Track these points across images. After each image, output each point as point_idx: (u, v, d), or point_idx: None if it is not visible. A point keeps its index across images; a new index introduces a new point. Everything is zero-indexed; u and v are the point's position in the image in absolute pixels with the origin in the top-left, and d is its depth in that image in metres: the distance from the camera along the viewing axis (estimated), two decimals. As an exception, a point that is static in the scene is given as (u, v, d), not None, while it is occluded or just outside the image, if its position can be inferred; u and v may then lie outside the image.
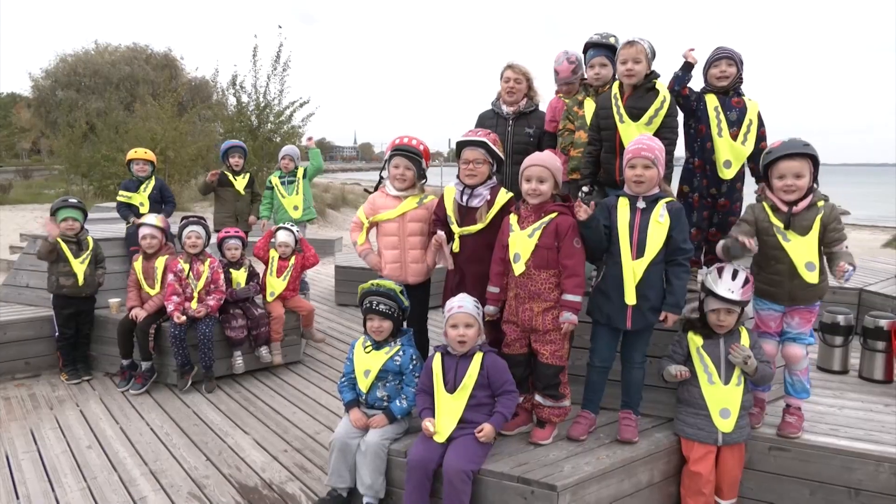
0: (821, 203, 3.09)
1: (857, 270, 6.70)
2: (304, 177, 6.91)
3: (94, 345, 5.35)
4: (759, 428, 3.33)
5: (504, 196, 3.43)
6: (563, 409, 3.24)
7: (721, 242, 3.25)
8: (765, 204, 3.18)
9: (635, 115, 3.53)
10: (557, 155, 3.81)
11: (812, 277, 3.09)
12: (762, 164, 3.17)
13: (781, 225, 3.09)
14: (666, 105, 3.51)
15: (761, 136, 3.69)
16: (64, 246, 5.00)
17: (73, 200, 5.23)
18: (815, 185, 3.11)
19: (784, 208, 3.09)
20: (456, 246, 3.48)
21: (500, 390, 3.09)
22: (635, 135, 3.46)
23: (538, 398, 3.23)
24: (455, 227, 3.47)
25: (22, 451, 3.92)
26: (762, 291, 3.23)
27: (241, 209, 6.70)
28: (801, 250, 3.08)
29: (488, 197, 3.44)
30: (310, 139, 7.23)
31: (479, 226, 3.40)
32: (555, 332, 3.13)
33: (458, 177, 3.52)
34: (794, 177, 3.05)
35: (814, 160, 3.06)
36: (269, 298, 5.43)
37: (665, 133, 3.50)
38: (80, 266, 5.02)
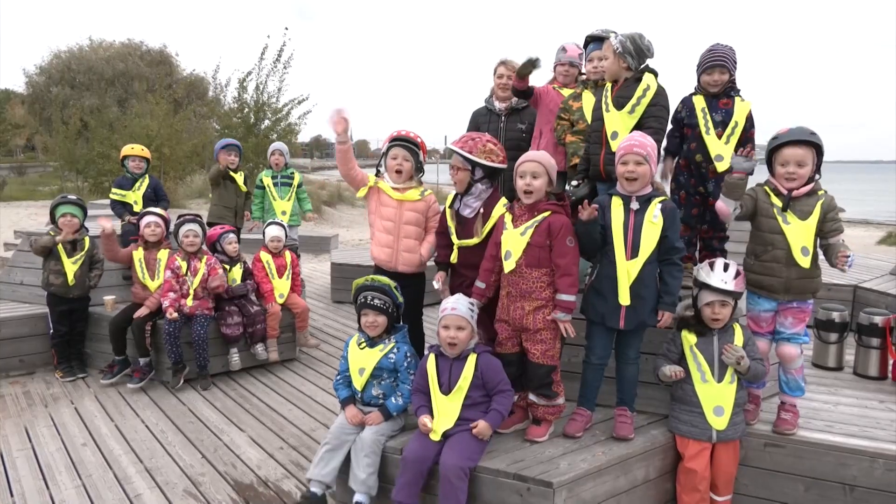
0: (821, 191, 3.12)
1: (853, 267, 6.73)
2: (300, 185, 6.83)
3: (89, 342, 5.34)
4: (755, 424, 3.34)
5: (500, 209, 3.42)
6: (558, 406, 3.24)
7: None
8: (766, 187, 3.19)
9: (620, 105, 3.53)
10: (548, 150, 3.82)
11: (805, 262, 3.09)
12: (767, 149, 3.18)
13: (781, 206, 3.10)
14: (650, 94, 3.47)
15: (748, 139, 3.66)
16: (59, 245, 4.98)
17: (73, 197, 5.21)
18: (817, 176, 3.12)
19: (784, 192, 3.11)
20: (454, 256, 3.50)
21: (495, 390, 3.09)
22: (618, 123, 3.47)
23: (532, 397, 3.23)
24: (454, 239, 3.48)
25: (16, 449, 3.91)
26: (757, 283, 3.23)
27: (240, 206, 6.64)
28: (799, 234, 3.09)
29: (481, 210, 3.45)
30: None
31: (475, 240, 3.41)
32: (545, 332, 3.13)
33: None
34: (797, 164, 3.06)
35: (818, 149, 3.07)
36: (279, 300, 5.44)
37: (650, 122, 3.46)
38: (71, 266, 5.00)
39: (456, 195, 3.53)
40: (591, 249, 3.17)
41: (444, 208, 3.60)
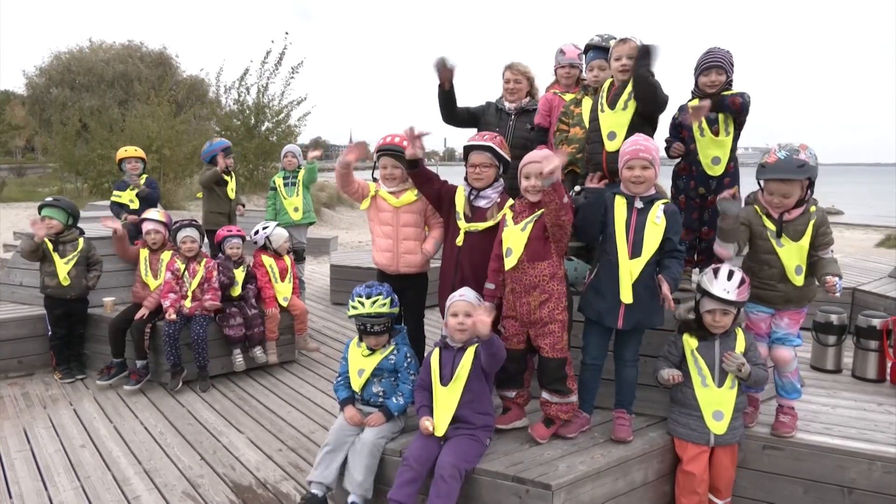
0: (813, 208, 3.12)
1: (851, 270, 6.76)
2: (309, 168, 6.92)
3: (88, 344, 5.34)
4: (753, 427, 3.34)
5: (506, 208, 3.45)
6: (571, 404, 3.22)
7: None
8: (757, 208, 3.20)
9: (614, 104, 3.55)
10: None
11: (799, 280, 3.13)
12: (756, 176, 3.18)
13: (774, 230, 3.12)
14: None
15: (739, 124, 3.65)
16: (49, 246, 5.00)
17: (49, 199, 5.27)
18: (808, 195, 3.11)
19: (775, 215, 3.13)
20: (460, 240, 3.48)
21: None
22: (613, 121, 3.52)
23: (545, 395, 3.22)
24: (462, 223, 3.47)
25: (15, 451, 3.91)
26: (756, 296, 3.24)
27: (233, 210, 6.77)
28: (793, 255, 3.11)
29: (498, 200, 3.47)
30: (314, 154, 7.10)
31: (490, 223, 3.40)
32: (553, 324, 3.13)
33: (465, 179, 3.53)
34: (783, 196, 3.08)
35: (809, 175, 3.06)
36: (283, 304, 5.48)
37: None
38: (63, 266, 5.02)
39: (472, 189, 3.49)
40: (589, 233, 3.21)
41: (455, 197, 3.56)
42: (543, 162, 2.92)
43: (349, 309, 3.35)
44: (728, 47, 3.69)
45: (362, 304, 3.29)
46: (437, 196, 3.59)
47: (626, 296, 3.10)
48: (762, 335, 3.31)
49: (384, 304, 3.31)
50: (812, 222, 3.09)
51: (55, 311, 5.08)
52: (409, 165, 3.49)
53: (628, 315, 3.13)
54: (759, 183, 3.21)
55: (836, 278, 2.99)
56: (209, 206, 6.65)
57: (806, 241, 3.09)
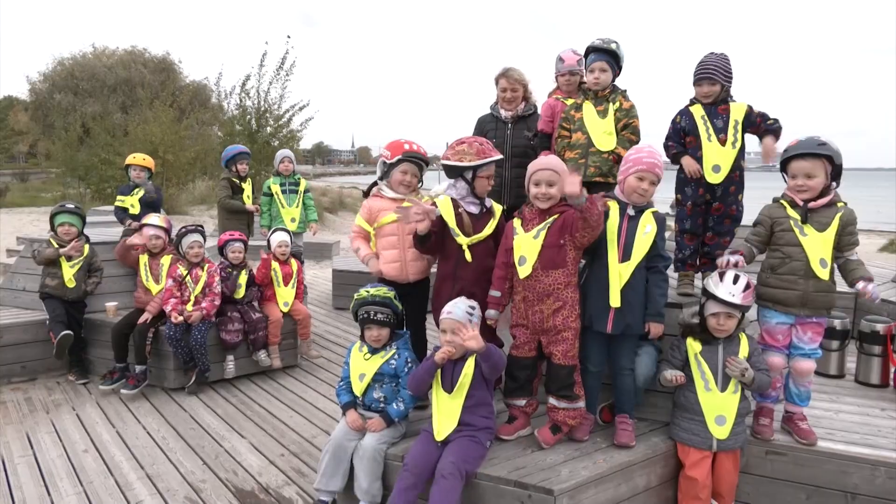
0: (840, 204, 3.14)
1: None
2: (306, 191, 6.88)
3: (91, 348, 5.35)
4: (773, 439, 3.29)
5: (497, 207, 3.50)
6: (578, 410, 3.22)
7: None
8: (782, 201, 3.23)
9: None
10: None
11: (824, 274, 3.12)
12: (779, 161, 3.23)
13: (799, 218, 3.13)
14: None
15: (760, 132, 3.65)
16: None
17: (70, 206, 5.34)
18: (833, 185, 3.14)
19: (801, 204, 3.15)
20: (468, 255, 3.40)
21: None
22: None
23: (552, 401, 3.21)
24: (462, 239, 3.39)
25: (18, 456, 3.91)
26: (773, 297, 3.23)
27: (251, 216, 6.78)
28: (817, 246, 3.11)
29: (487, 204, 3.47)
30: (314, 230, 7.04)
31: (487, 232, 3.40)
32: (566, 332, 3.14)
33: (455, 189, 3.50)
34: (805, 177, 3.10)
35: (830, 159, 3.08)
36: (283, 309, 5.49)
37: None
38: (69, 271, 5.10)
39: (475, 198, 3.45)
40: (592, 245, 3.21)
41: (444, 216, 3.53)
42: (566, 186, 2.88)
43: (354, 298, 3.39)
44: (726, 51, 3.69)
45: (367, 291, 3.37)
46: (439, 241, 3.48)
47: (615, 300, 3.12)
48: (780, 347, 3.28)
49: (388, 293, 3.37)
50: (839, 216, 3.10)
51: (52, 308, 5.10)
52: (420, 241, 3.39)
53: (617, 319, 3.14)
54: (783, 175, 3.23)
55: (870, 284, 3.04)
56: (225, 214, 6.67)
57: (831, 233, 3.09)
